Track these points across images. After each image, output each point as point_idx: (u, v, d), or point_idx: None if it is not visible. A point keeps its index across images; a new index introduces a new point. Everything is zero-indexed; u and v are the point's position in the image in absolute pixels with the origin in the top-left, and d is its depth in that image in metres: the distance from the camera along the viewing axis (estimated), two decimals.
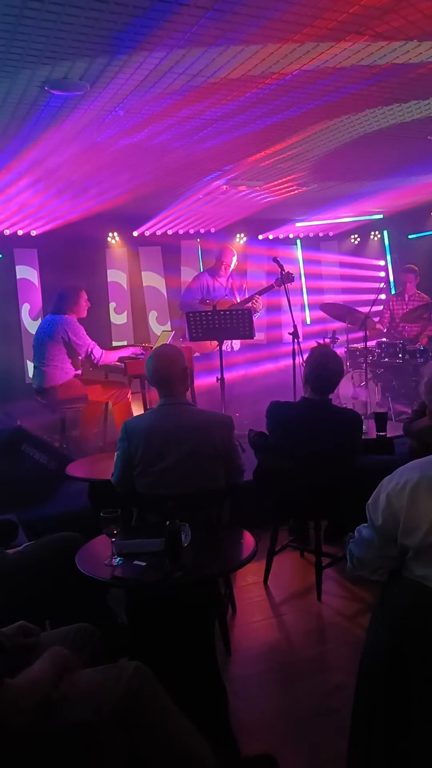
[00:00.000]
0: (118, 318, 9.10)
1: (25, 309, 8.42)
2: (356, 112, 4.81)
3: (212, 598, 3.15)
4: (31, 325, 8.33)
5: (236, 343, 7.46)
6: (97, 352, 6.31)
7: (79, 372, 6.44)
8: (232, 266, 7.56)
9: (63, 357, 6.24)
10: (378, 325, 8.42)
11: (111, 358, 6.48)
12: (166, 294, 9.39)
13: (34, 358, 6.47)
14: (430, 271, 8.95)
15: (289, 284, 6.64)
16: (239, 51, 3.67)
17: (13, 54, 3.54)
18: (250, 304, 7.09)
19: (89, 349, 6.27)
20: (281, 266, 6.61)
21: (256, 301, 7.20)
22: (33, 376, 6.53)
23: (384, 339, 8.07)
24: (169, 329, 8.09)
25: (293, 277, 6.77)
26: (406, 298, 8.51)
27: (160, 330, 8.67)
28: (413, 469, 2.19)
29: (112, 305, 9.05)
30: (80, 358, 6.34)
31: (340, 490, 3.87)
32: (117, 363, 6.49)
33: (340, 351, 7.43)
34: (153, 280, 9.35)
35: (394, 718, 2.11)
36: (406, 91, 4.45)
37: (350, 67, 3.99)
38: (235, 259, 7.56)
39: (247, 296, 7.43)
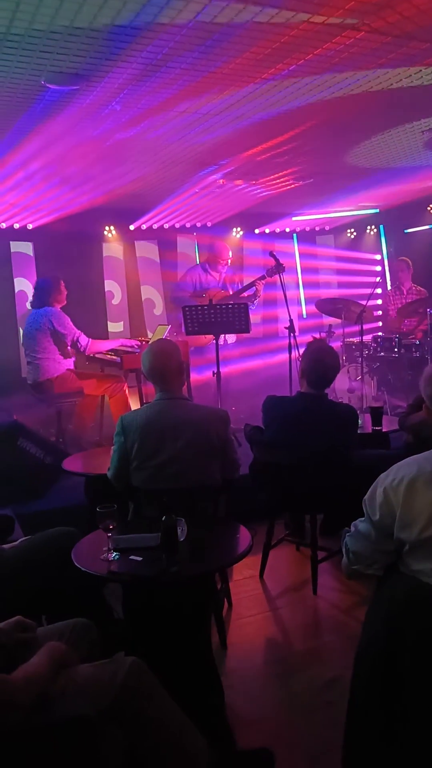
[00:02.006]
0: (114, 324, 9.12)
1: (20, 303, 8.40)
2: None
3: (208, 593, 3.16)
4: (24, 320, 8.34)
5: (231, 336, 7.46)
6: (83, 340, 6.34)
7: (72, 366, 6.44)
8: (228, 262, 7.56)
9: (53, 348, 6.29)
10: (391, 313, 8.45)
11: (99, 347, 6.49)
12: (162, 287, 9.38)
13: (26, 353, 6.48)
14: (427, 266, 8.95)
15: (284, 278, 6.66)
16: (234, 45, 3.66)
17: (9, 47, 3.53)
18: (251, 290, 7.08)
19: (75, 337, 6.30)
20: (277, 260, 6.62)
21: (259, 286, 7.17)
22: (28, 371, 6.54)
23: (380, 333, 8.07)
24: (165, 323, 8.08)
25: (284, 267, 6.76)
26: (404, 292, 8.51)
27: (156, 326, 8.68)
28: (410, 464, 2.20)
29: (109, 290, 9.03)
30: (68, 347, 6.36)
31: (335, 485, 3.88)
32: (112, 356, 6.49)
33: (336, 345, 7.43)
34: (149, 274, 9.34)
35: (390, 711, 2.13)
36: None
37: (346, 62, 3.99)
38: (230, 254, 7.55)
39: (240, 288, 7.42)
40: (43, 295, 6.41)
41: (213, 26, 3.41)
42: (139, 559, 2.76)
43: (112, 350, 6.64)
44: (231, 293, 7.25)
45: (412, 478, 2.14)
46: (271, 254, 6.70)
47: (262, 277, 7.17)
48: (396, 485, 2.17)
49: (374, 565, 2.32)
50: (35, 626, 2.32)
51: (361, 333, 7.38)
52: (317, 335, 7.23)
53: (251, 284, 7.17)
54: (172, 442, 3.32)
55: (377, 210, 10.13)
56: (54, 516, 4.47)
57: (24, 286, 8.38)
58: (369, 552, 2.31)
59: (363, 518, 2.33)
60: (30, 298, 6.68)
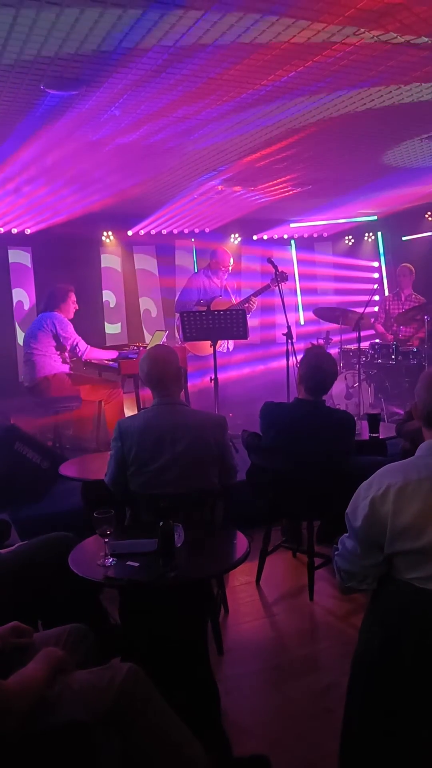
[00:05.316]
0: (112, 328, 9.13)
1: (18, 307, 8.41)
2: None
3: (205, 599, 3.16)
4: (24, 324, 8.35)
5: (231, 344, 7.47)
6: (82, 345, 6.43)
7: (67, 368, 6.47)
8: (229, 269, 7.58)
9: (51, 348, 6.36)
10: (377, 325, 8.44)
11: (96, 354, 6.55)
12: (160, 293, 9.39)
13: (24, 353, 6.52)
14: (425, 273, 8.96)
15: (283, 284, 6.66)
16: (234, 52, 3.68)
17: (9, 52, 3.54)
18: (247, 304, 7.11)
19: (74, 342, 6.38)
20: (275, 267, 6.62)
21: (253, 302, 7.21)
22: (24, 371, 6.57)
23: (377, 340, 8.07)
24: (163, 329, 8.08)
25: (287, 276, 6.79)
26: (403, 299, 8.49)
27: (154, 331, 8.68)
28: (394, 472, 2.15)
29: (106, 295, 9.05)
30: (66, 352, 6.42)
31: (332, 491, 3.87)
32: (109, 362, 6.52)
33: (334, 352, 7.43)
34: (147, 280, 9.35)
35: (387, 718, 2.12)
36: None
37: (346, 70, 4.00)
38: (231, 261, 7.57)
39: (243, 297, 7.44)
40: (50, 301, 6.55)
41: (213, 33, 3.42)
42: (136, 564, 2.75)
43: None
44: (236, 302, 7.25)
45: (401, 487, 2.09)
46: (269, 261, 6.70)
47: (258, 293, 7.20)
48: (382, 494, 2.11)
49: (366, 580, 2.27)
50: (31, 631, 2.32)
51: (359, 340, 7.38)
52: (315, 342, 7.24)
53: (248, 299, 7.20)
54: (169, 448, 3.31)
55: (375, 217, 10.16)
56: (51, 521, 4.46)
57: (21, 290, 8.39)
58: (358, 568, 2.26)
59: (347, 534, 2.29)
60: (27, 303, 6.71)
